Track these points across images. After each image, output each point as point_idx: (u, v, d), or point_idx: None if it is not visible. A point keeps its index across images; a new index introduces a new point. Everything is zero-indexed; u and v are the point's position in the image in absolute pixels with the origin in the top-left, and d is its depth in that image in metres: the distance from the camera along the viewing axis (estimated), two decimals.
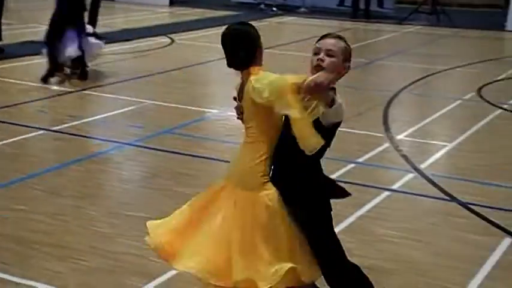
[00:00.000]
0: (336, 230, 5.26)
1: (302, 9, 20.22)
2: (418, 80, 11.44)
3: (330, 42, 3.33)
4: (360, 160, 7.10)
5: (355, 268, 3.54)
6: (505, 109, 9.46)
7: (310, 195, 3.35)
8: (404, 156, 7.27)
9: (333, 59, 3.29)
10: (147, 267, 4.56)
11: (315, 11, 20.08)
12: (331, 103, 3.15)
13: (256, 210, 3.29)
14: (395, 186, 6.39)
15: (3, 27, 11.97)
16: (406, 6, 19.97)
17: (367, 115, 8.98)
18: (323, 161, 3.42)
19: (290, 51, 13.67)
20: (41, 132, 7.80)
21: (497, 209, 5.84)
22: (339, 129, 3.33)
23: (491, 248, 5.01)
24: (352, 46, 3.46)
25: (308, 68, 3.38)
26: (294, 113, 3.11)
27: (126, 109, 8.91)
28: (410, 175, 6.71)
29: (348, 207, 5.61)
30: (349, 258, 3.54)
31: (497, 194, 6.27)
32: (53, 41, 9.94)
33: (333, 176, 6.46)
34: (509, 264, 4.82)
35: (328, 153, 3.36)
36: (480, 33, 17.42)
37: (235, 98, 3.50)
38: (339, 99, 3.19)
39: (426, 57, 14.14)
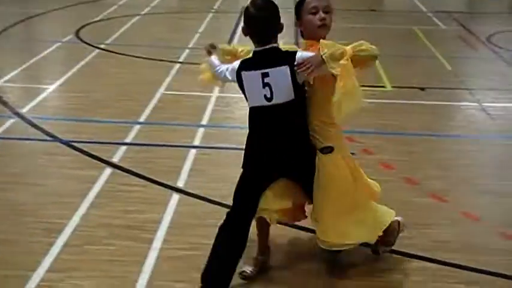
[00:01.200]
0: None
1: None
2: (15, 24, 11.14)
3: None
4: None
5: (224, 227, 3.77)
6: (102, 49, 9.83)
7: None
8: (5, 103, 7.10)
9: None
10: None
11: None
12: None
13: None
14: None
15: None
16: None
17: None
18: None
19: None
20: None
21: (99, 143, 6.14)
22: None
23: (93, 180, 5.27)
24: None
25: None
26: None
27: None
28: (12, 120, 6.61)
29: None
30: None
31: (98, 130, 6.56)
32: None
33: None
34: (110, 191, 5.15)
35: None
36: None
37: None
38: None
39: (23, 1, 13.77)
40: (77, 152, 5.90)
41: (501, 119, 7.19)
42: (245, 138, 3.82)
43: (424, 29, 11.89)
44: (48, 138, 6.22)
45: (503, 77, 8.96)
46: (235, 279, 3.85)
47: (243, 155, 3.80)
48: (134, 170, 5.56)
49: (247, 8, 3.60)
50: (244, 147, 3.81)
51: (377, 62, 3.73)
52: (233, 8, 13.21)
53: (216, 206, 4.94)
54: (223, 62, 4.01)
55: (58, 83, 7.98)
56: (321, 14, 3.67)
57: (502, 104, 7.72)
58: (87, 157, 5.80)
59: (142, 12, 12.96)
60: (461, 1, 16.51)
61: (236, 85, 3.76)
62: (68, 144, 6.05)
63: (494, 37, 11.31)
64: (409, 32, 11.78)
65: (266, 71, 3.56)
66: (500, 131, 6.89)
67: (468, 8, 15.67)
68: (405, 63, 9.76)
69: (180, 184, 5.32)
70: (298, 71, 3.52)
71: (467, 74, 9.18)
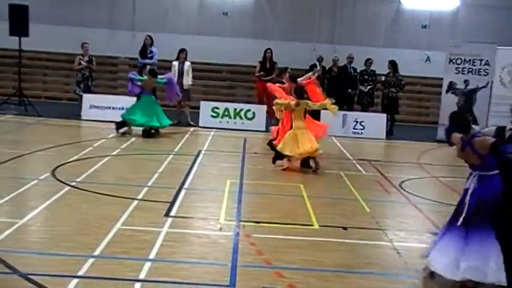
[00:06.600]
0: None
1: None
2: (1, 163, 10.90)
3: None
4: None
5: None
6: (73, 186, 9.62)
7: None
8: None
9: None
10: None
11: None
12: None
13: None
14: None
15: None
16: None
17: None
18: None
19: None
20: None
21: (53, 275, 5.85)
22: None
23: None
24: None
25: None
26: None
27: None
28: None
29: None
30: None
31: (56, 263, 6.24)
32: None
33: None
34: None
35: None
36: (60, 121, 17.22)
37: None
38: None
39: (14, 143, 13.52)
40: (31, 285, 5.60)
41: (409, 257, 7.10)
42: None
43: (349, 174, 12.02)
44: (8, 271, 5.91)
45: (411, 219, 8.98)
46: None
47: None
48: None
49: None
50: None
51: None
52: (191, 151, 13.26)
53: None
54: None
55: (28, 217, 7.72)
56: None
57: (410, 244, 7.67)
58: None
59: (113, 153, 12.78)
60: (379, 151, 16.75)
61: None
62: (25, 277, 5.75)
63: (404, 183, 11.47)
64: (336, 176, 11.88)
65: None
66: (407, 268, 6.80)
67: (384, 157, 15.89)
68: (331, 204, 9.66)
69: None
70: None
71: (382, 215, 9.16)
